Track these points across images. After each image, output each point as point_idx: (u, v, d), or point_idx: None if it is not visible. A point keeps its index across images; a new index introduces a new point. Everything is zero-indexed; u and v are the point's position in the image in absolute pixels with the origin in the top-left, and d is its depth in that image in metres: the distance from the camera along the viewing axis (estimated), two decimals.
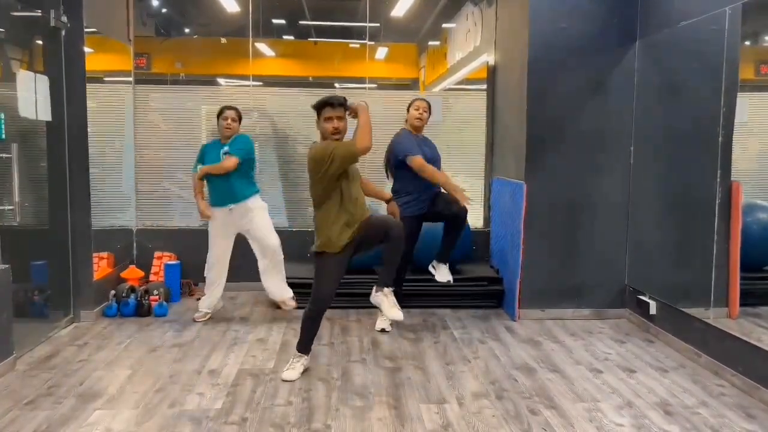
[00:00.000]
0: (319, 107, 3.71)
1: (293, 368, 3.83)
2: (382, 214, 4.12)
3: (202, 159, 4.85)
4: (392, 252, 3.91)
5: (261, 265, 4.98)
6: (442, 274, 4.89)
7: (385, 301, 3.93)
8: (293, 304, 5.06)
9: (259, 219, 4.84)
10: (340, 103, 3.69)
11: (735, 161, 3.92)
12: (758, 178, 4.29)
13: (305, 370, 3.89)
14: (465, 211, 4.68)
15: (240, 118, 4.86)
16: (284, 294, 5.06)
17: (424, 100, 4.86)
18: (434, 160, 4.77)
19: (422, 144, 4.78)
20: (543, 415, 3.34)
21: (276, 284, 5.03)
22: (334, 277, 3.81)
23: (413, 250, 4.81)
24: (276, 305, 5.23)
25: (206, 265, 4.96)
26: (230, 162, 4.65)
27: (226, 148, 4.75)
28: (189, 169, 6.00)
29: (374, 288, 3.99)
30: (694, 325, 4.21)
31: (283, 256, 5.00)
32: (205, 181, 4.79)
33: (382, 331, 4.77)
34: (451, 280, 4.89)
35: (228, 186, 4.72)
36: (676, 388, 3.73)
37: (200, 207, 4.76)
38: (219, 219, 4.80)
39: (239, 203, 4.76)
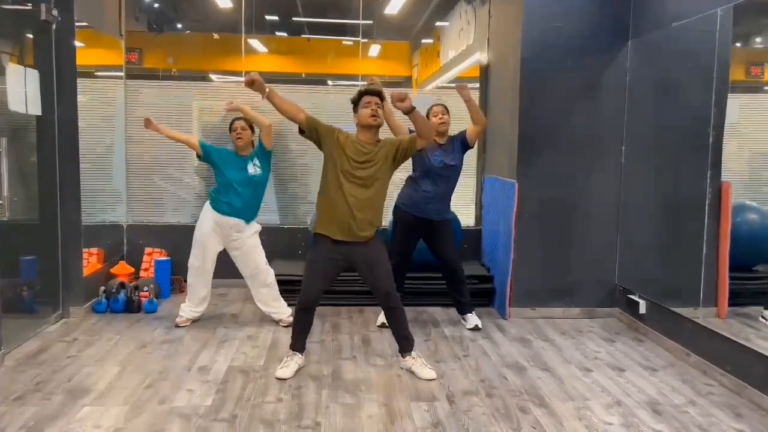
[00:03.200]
0: (357, 98, 3.77)
1: (287, 366, 3.82)
2: (387, 267, 3.90)
3: (212, 155, 4.68)
4: (395, 323, 3.95)
5: (251, 288, 4.86)
6: (470, 322, 4.84)
7: (415, 363, 3.88)
8: (289, 320, 4.78)
9: (252, 241, 4.73)
10: (377, 93, 3.75)
11: (725, 162, 3.95)
12: (748, 179, 4.32)
13: (300, 369, 3.88)
14: (456, 262, 4.77)
15: (251, 127, 4.70)
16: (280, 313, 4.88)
17: (440, 104, 4.75)
18: (441, 168, 4.63)
19: (433, 154, 4.62)
20: (533, 414, 3.35)
21: (270, 304, 4.87)
22: (312, 276, 3.84)
23: (409, 258, 4.81)
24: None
25: (188, 270, 4.78)
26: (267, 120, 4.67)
27: (256, 161, 4.67)
28: (180, 165, 6.01)
29: (400, 355, 3.98)
30: (683, 324, 4.24)
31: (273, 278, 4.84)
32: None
33: (383, 326, 4.78)
34: (479, 324, 4.79)
35: (254, 201, 4.69)
36: (665, 387, 3.75)
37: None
38: (211, 226, 4.66)
39: (239, 220, 4.64)
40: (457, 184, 4.82)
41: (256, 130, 4.78)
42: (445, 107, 4.73)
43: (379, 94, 3.77)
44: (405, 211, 4.72)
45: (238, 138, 4.63)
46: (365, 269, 3.87)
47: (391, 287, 3.88)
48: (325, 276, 3.87)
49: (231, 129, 4.70)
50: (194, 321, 4.81)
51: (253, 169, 4.65)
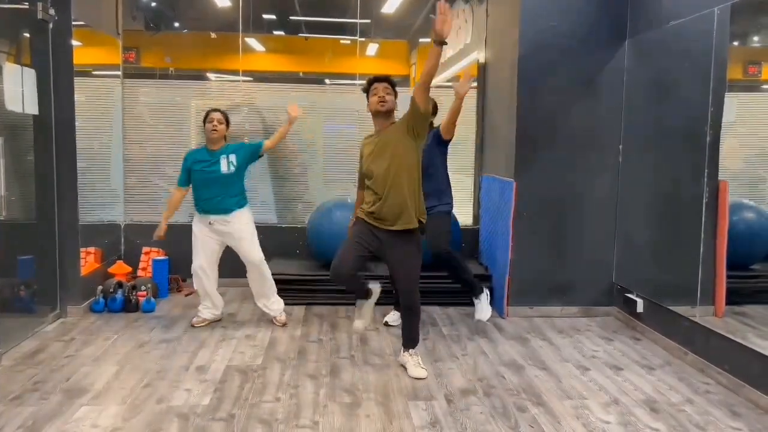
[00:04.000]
0: (367, 86, 3.78)
1: (359, 317, 3.97)
2: (411, 265, 3.83)
3: (190, 170, 4.58)
4: (405, 321, 3.98)
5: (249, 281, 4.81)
6: (476, 311, 4.74)
7: (410, 361, 3.90)
8: (283, 319, 4.80)
9: (239, 231, 4.62)
10: (385, 79, 3.76)
11: (722, 161, 3.95)
12: (745, 177, 4.32)
13: (372, 306, 3.98)
14: (441, 250, 4.53)
15: (227, 121, 4.61)
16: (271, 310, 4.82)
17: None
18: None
19: None
20: (530, 412, 3.35)
21: (261, 300, 4.82)
22: (346, 244, 3.81)
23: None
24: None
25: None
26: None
27: (232, 157, 4.54)
28: (178, 165, 5.99)
29: (401, 349, 3.99)
30: (680, 323, 4.24)
31: (269, 272, 4.76)
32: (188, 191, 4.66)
33: (386, 324, 4.80)
34: (481, 319, 4.69)
35: (228, 194, 4.55)
36: (663, 385, 3.76)
37: (161, 228, 4.70)
38: (199, 227, 4.65)
39: (221, 216, 4.56)
40: (443, 179, 4.65)
41: (231, 124, 4.73)
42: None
43: (388, 80, 3.76)
44: None
45: (213, 130, 4.50)
46: (390, 262, 3.82)
47: (410, 288, 3.82)
48: (355, 247, 3.76)
49: (206, 120, 4.55)
50: (213, 322, 4.78)
51: (226, 165, 4.52)
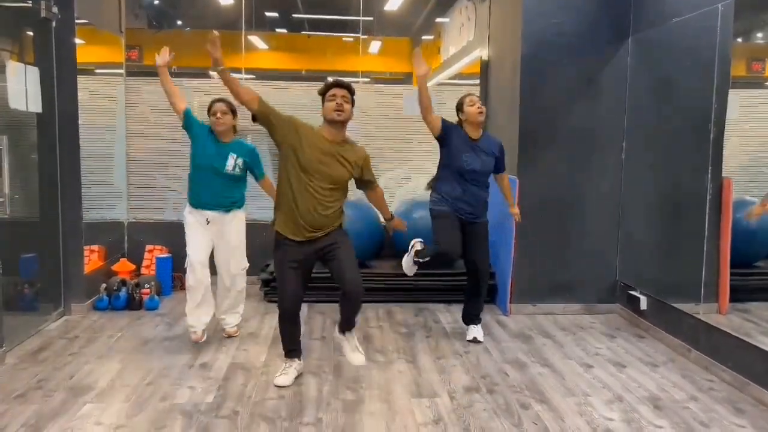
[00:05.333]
0: (325, 90, 3.53)
1: (285, 373, 3.67)
2: (348, 254, 3.58)
3: (192, 133, 4.19)
4: (348, 309, 3.63)
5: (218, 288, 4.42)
6: (470, 333, 4.45)
7: (346, 345, 3.69)
8: (231, 332, 4.48)
9: (231, 234, 4.27)
10: (346, 86, 3.54)
11: (726, 158, 3.94)
12: (749, 174, 4.31)
13: (299, 375, 3.75)
14: (483, 269, 4.33)
15: (233, 111, 4.16)
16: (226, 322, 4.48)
17: (473, 93, 4.39)
18: (470, 172, 4.22)
19: (465, 154, 4.21)
20: (534, 409, 3.35)
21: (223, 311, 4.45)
22: (281, 278, 3.60)
23: (454, 256, 4.27)
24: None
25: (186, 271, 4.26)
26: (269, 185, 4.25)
27: (240, 161, 4.17)
28: (180, 162, 6.00)
29: (336, 328, 3.73)
30: (684, 320, 4.24)
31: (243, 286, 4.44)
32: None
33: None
34: (479, 338, 4.40)
35: (229, 192, 4.22)
36: (666, 382, 3.75)
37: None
38: (196, 217, 4.23)
39: (220, 212, 4.21)
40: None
41: (239, 112, 4.15)
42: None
43: (348, 88, 3.52)
44: (434, 213, 4.33)
45: (218, 122, 4.10)
46: (329, 260, 3.56)
47: (356, 276, 3.52)
48: (296, 279, 3.55)
49: (210, 112, 4.15)
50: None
51: (233, 165, 4.14)
